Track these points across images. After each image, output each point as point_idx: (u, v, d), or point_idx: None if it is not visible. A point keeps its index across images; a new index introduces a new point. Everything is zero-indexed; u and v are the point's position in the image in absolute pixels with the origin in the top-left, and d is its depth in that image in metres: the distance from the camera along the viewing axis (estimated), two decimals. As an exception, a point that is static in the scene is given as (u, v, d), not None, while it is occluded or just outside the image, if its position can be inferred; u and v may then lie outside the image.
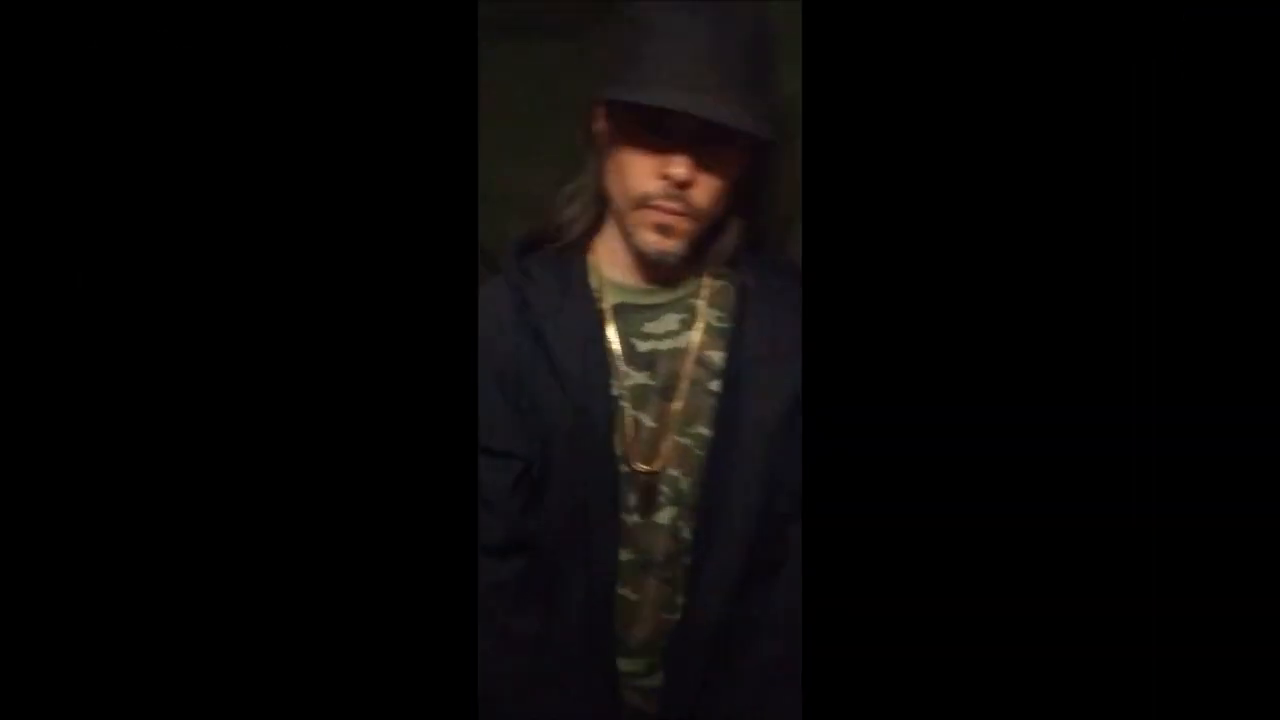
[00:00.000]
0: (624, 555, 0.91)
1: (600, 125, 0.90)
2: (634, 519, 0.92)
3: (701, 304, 0.95)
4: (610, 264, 0.95)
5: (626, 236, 0.91)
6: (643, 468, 0.91)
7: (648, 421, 0.92)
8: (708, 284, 0.95)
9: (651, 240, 0.88)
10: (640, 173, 0.86)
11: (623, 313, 0.94)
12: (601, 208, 0.94)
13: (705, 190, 0.86)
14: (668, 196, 0.86)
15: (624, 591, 0.92)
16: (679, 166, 0.84)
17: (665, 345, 0.93)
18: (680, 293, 0.95)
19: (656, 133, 0.84)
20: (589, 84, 1.24)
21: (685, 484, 0.92)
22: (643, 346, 0.93)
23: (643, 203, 0.87)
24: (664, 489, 0.91)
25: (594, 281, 0.94)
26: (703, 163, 0.85)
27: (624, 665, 0.93)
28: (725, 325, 0.94)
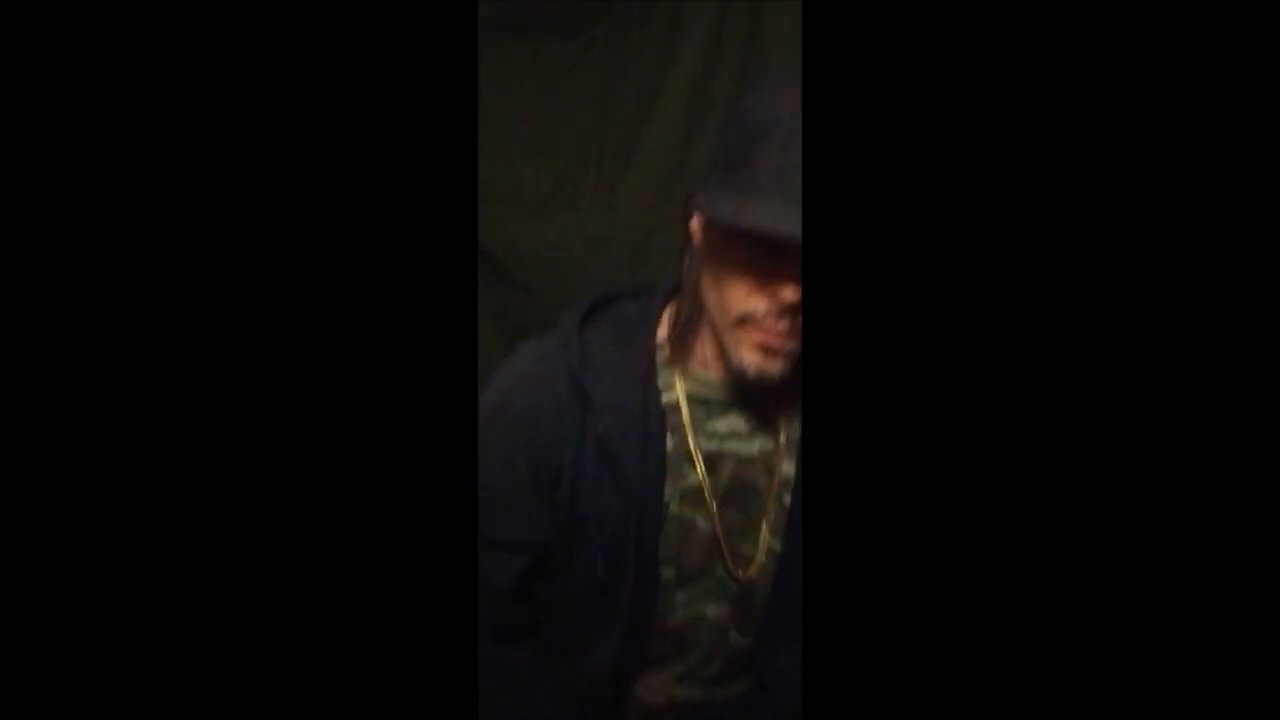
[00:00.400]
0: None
1: (699, 234, 0.83)
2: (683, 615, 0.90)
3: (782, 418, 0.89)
4: (697, 361, 0.88)
5: (722, 351, 0.84)
6: (740, 573, 0.88)
7: (700, 523, 0.88)
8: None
9: (753, 360, 0.81)
10: (744, 292, 0.79)
11: (689, 406, 0.88)
12: (694, 316, 0.86)
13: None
14: (775, 316, 0.79)
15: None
16: (789, 290, 0.77)
17: (729, 446, 0.88)
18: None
19: (765, 251, 0.76)
20: (589, 84, 1.25)
21: (760, 597, 0.89)
22: (704, 446, 0.87)
23: (745, 322, 0.80)
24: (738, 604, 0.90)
25: (665, 376, 0.88)
26: None
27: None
28: (790, 432, 0.89)
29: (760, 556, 0.88)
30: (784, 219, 0.73)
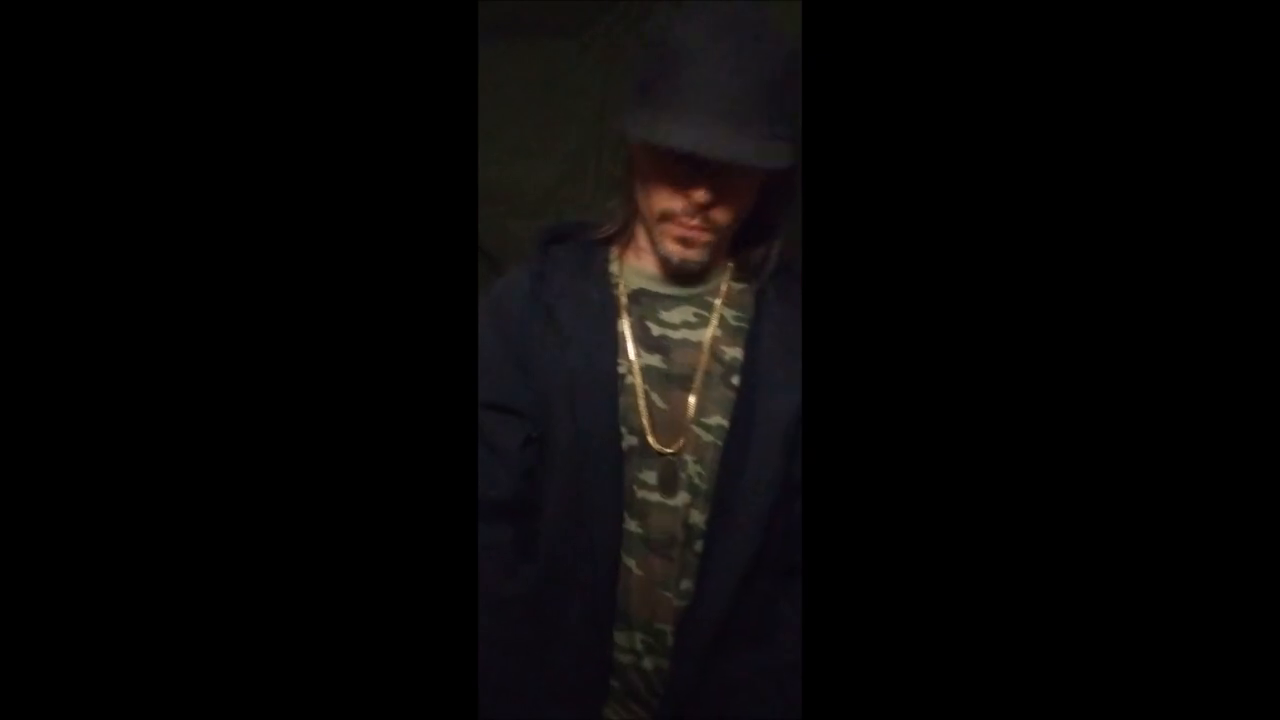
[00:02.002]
0: (632, 527, 0.94)
1: (631, 148, 0.95)
2: (652, 496, 0.94)
3: (718, 302, 0.99)
4: (635, 258, 1.00)
5: (652, 244, 0.97)
6: (664, 449, 0.94)
7: (660, 404, 0.95)
8: (726, 285, 0.99)
9: (674, 249, 0.94)
10: (664, 193, 0.92)
11: (639, 298, 0.98)
12: (631, 215, 1.00)
13: (726, 210, 0.92)
14: (689, 214, 0.92)
15: (629, 563, 0.94)
16: (700, 193, 0.89)
17: (678, 335, 0.97)
18: (698, 289, 0.99)
19: (681, 161, 0.88)
20: (589, 84, 1.24)
21: (700, 472, 0.94)
22: (656, 330, 0.97)
23: (666, 218, 0.93)
24: (682, 474, 0.94)
25: (615, 269, 1.00)
26: (725, 187, 0.91)
27: (620, 639, 0.95)
28: (741, 324, 0.98)
29: (714, 440, 0.94)
30: (696, 136, 0.85)
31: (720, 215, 0.92)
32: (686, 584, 0.94)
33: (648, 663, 0.95)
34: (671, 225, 0.93)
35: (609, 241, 1.01)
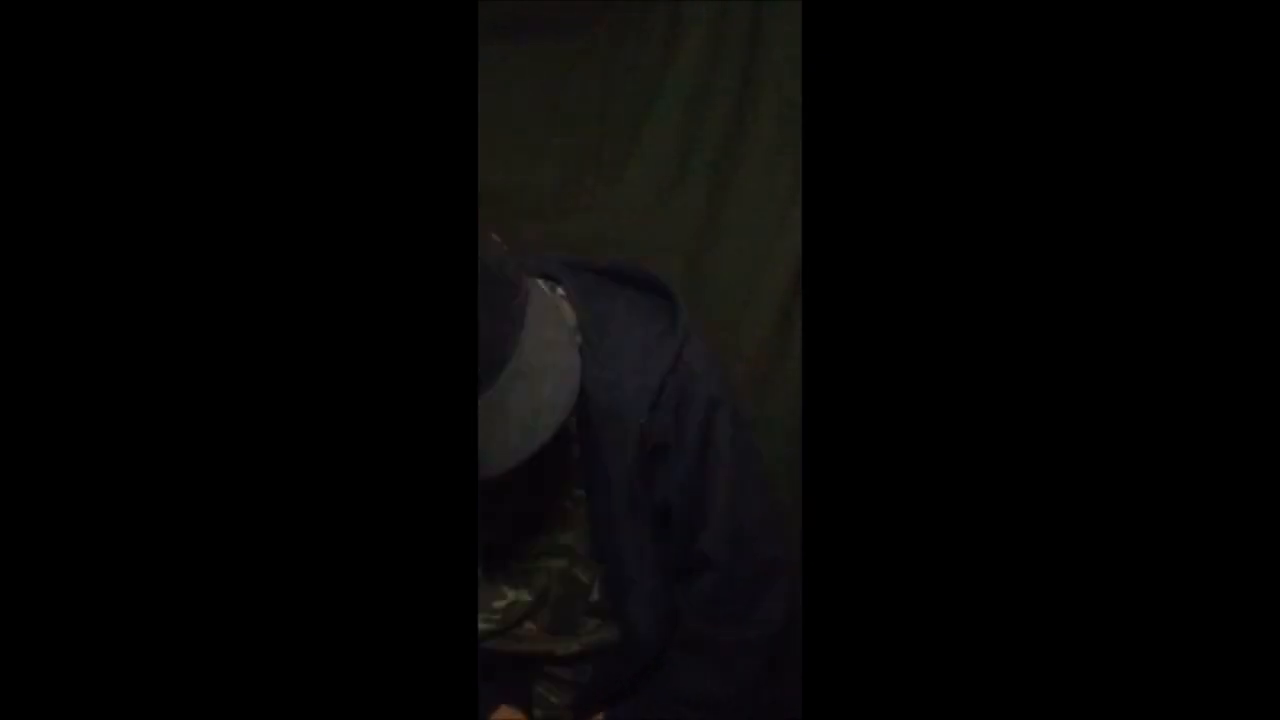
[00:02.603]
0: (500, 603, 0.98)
1: None
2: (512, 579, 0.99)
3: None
4: None
5: None
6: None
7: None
8: None
9: None
10: None
11: None
12: None
13: None
14: None
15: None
16: None
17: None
18: None
19: None
20: (590, 85, 1.24)
21: (567, 538, 0.98)
22: None
23: None
24: (546, 550, 0.98)
25: None
26: None
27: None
28: None
29: (565, 507, 0.98)
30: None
31: None
32: (593, 622, 0.98)
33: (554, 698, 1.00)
34: None
35: None
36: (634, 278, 1.01)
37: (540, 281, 0.95)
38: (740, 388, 1.12)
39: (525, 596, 0.99)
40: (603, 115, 1.27)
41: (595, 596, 0.99)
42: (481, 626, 0.98)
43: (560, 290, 0.97)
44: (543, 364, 0.84)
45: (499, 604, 0.99)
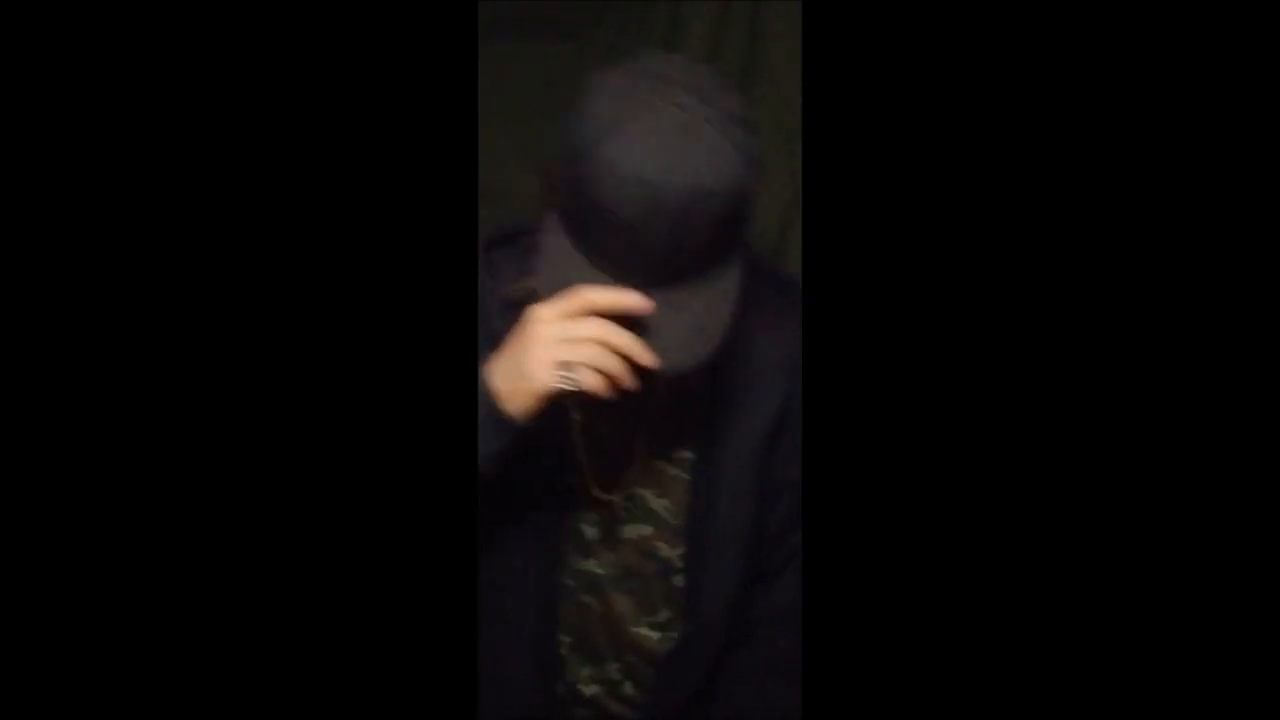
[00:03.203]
0: (583, 565, 0.91)
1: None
2: (592, 532, 0.90)
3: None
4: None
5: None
6: (601, 495, 0.88)
7: (604, 437, 0.88)
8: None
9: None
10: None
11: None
12: None
13: None
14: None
15: (587, 600, 0.91)
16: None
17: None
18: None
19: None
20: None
21: (660, 504, 0.90)
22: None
23: None
24: (629, 507, 0.90)
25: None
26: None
27: (586, 672, 0.93)
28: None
29: (677, 472, 0.90)
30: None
31: None
32: (666, 613, 0.91)
33: (628, 688, 0.93)
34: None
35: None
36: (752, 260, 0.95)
37: None
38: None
39: (598, 569, 0.92)
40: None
41: (678, 581, 0.91)
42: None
43: None
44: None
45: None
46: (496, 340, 0.82)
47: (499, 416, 0.76)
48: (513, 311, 0.82)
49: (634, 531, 0.90)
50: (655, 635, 0.92)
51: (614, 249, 0.73)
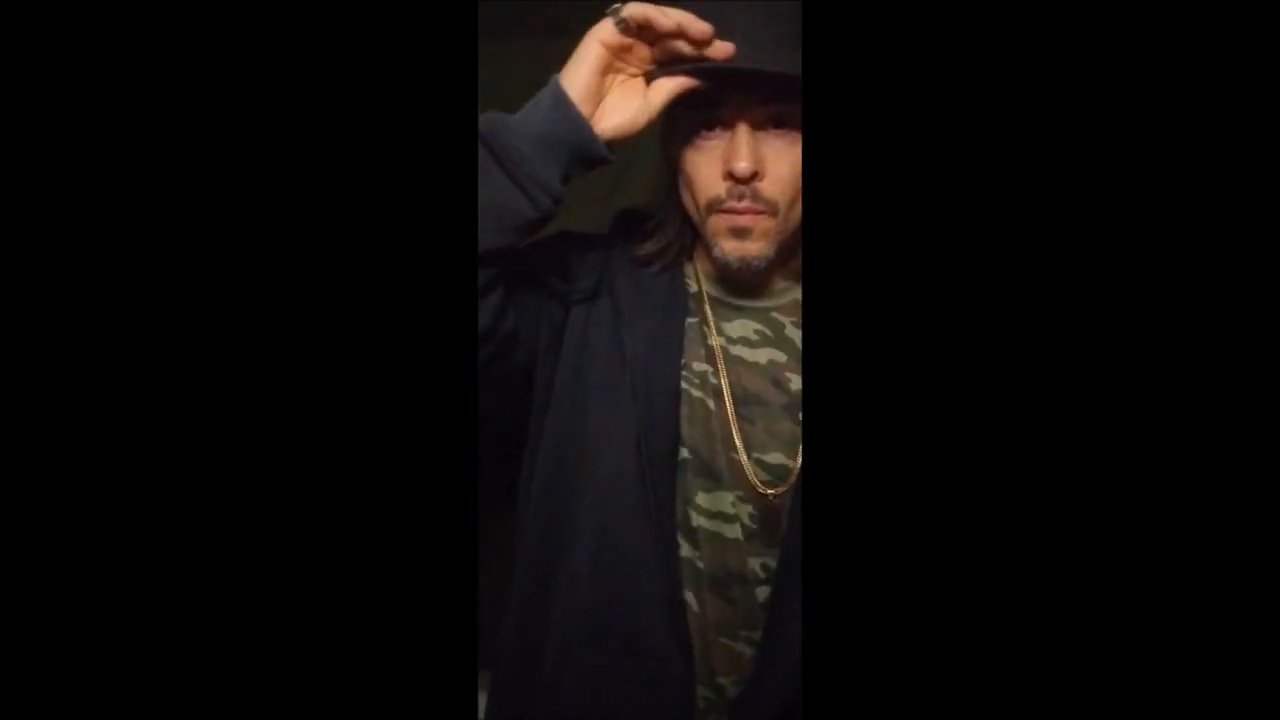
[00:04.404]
0: (686, 553, 0.85)
1: (669, 139, 0.87)
2: (706, 523, 0.85)
3: (789, 321, 0.89)
4: (705, 261, 0.90)
5: (708, 250, 0.86)
6: (768, 492, 0.84)
7: (713, 420, 0.86)
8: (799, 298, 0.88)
9: (730, 247, 0.83)
10: (705, 177, 0.83)
11: (704, 301, 0.89)
12: (687, 230, 0.89)
13: (775, 182, 0.82)
14: (737, 196, 0.81)
15: (688, 597, 0.85)
16: (740, 160, 0.80)
17: (735, 350, 0.88)
18: (762, 302, 0.89)
19: (716, 128, 0.81)
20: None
21: (751, 512, 0.85)
22: (713, 340, 0.87)
23: (714, 208, 0.83)
24: (743, 507, 0.86)
25: (687, 268, 0.91)
26: (767, 152, 0.81)
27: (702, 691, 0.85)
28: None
29: (765, 478, 0.85)
30: (701, 70, 0.77)
31: (770, 188, 0.81)
32: (748, 634, 0.84)
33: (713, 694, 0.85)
34: (721, 216, 0.82)
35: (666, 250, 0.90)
36: None
37: None
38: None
39: (685, 550, 0.85)
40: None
41: (762, 596, 0.84)
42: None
43: None
44: None
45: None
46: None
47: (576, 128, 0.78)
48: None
49: (719, 528, 0.85)
50: (748, 653, 0.85)
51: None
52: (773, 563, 0.85)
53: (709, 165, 0.82)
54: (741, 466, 0.85)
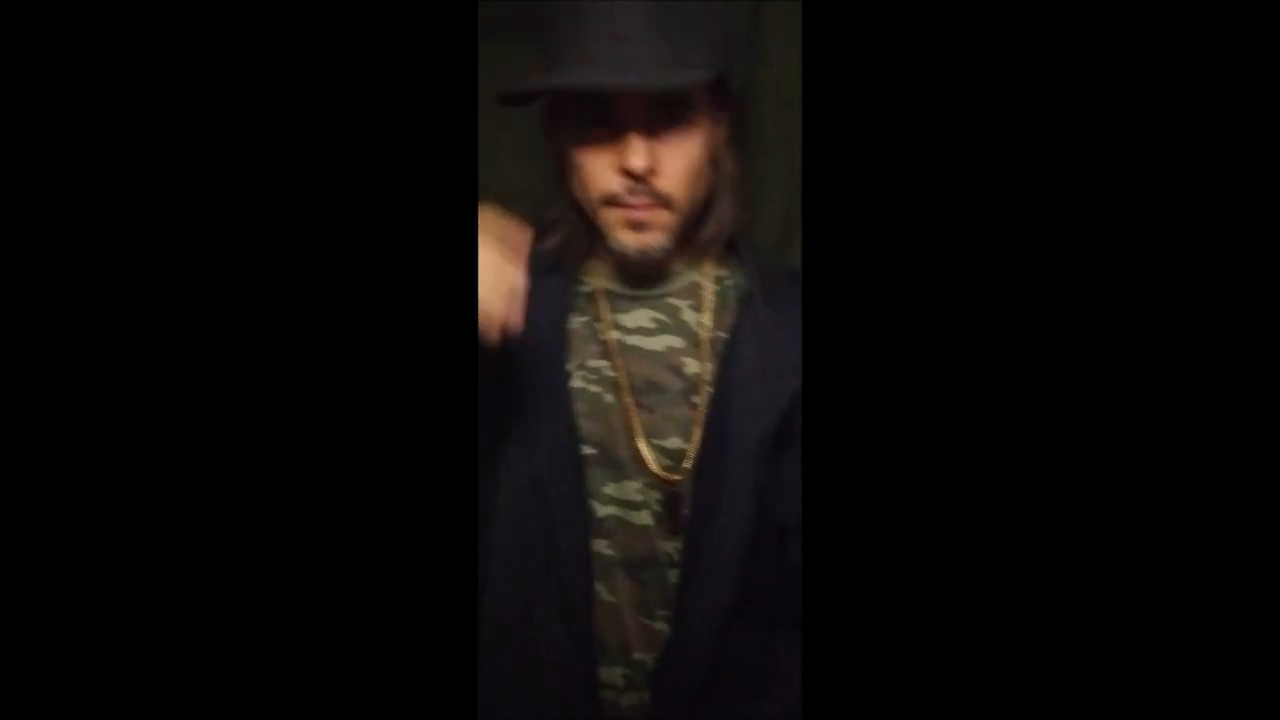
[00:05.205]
0: (600, 547, 0.87)
1: (553, 129, 0.87)
2: (615, 511, 0.87)
3: (685, 305, 0.89)
4: (601, 258, 0.90)
5: (603, 240, 0.85)
6: (671, 478, 0.85)
7: (614, 414, 0.86)
8: (704, 286, 0.89)
9: (628, 239, 0.83)
10: (598, 171, 0.81)
11: (597, 297, 0.89)
12: (584, 221, 0.88)
13: (671, 177, 0.81)
14: (632, 192, 0.81)
15: (598, 587, 0.87)
16: (635, 156, 0.79)
17: (632, 341, 0.88)
18: (658, 290, 0.89)
19: (606, 123, 0.80)
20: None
21: (657, 498, 0.87)
22: (606, 334, 0.87)
23: (609, 202, 0.82)
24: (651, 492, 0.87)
25: (585, 272, 0.90)
26: (661, 148, 0.80)
27: (601, 675, 0.87)
28: (715, 334, 0.88)
29: (665, 461, 0.86)
30: (604, 73, 0.76)
31: (666, 183, 0.81)
32: (664, 612, 0.86)
33: (628, 698, 0.87)
34: (616, 210, 0.82)
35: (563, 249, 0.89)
36: (790, 271, 0.94)
37: None
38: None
39: (597, 544, 0.86)
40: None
41: (673, 577, 0.86)
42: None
43: None
44: None
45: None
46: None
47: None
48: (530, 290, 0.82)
49: (644, 518, 0.86)
50: (659, 628, 0.87)
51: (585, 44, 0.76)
52: (680, 544, 0.86)
53: (601, 158, 0.81)
54: (642, 455, 0.86)
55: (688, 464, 0.86)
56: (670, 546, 0.87)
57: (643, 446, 0.86)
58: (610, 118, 0.80)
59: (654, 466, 0.86)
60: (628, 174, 0.80)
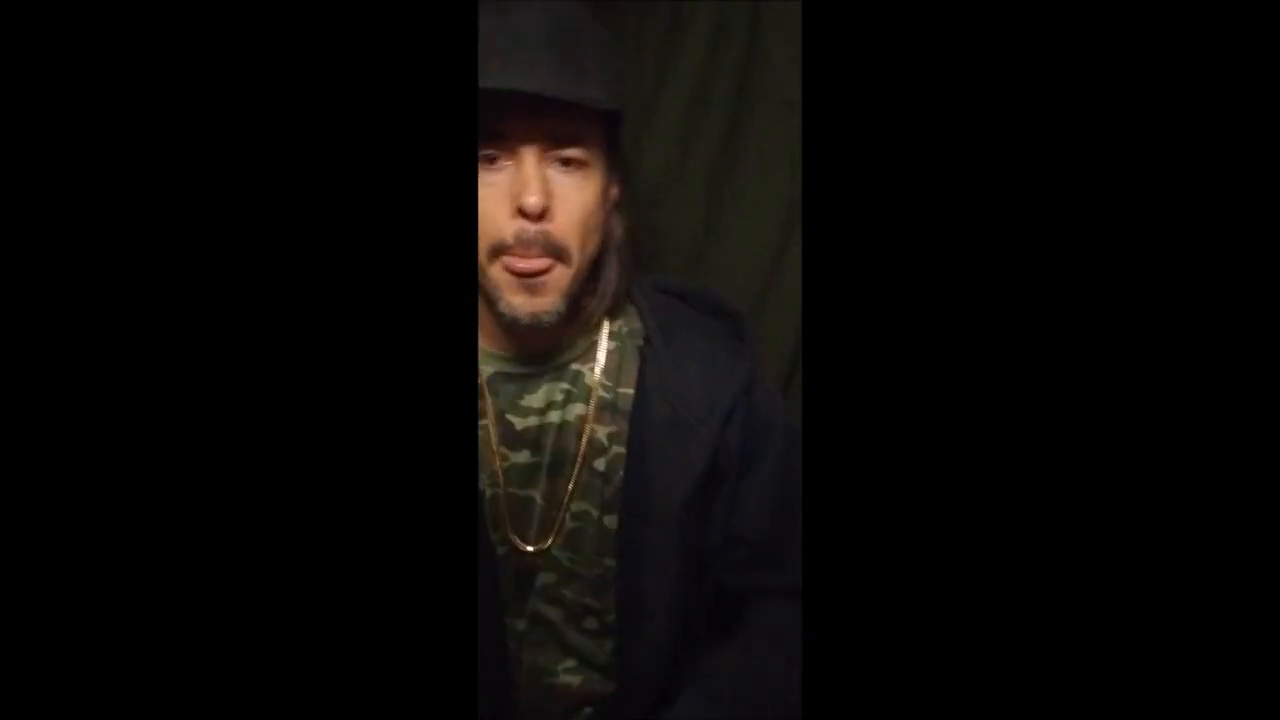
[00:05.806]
0: (519, 625, 0.90)
1: None
2: (536, 604, 0.90)
3: (589, 370, 0.87)
4: (485, 339, 0.85)
5: (492, 305, 0.80)
6: (526, 547, 0.87)
7: (538, 500, 0.87)
8: (599, 344, 0.87)
9: (519, 302, 0.78)
10: (487, 218, 0.76)
11: (495, 385, 0.86)
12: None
13: (565, 224, 0.77)
14: (525, 241, 0.76)
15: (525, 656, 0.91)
16: (531, 194, 0.75)
17: (548, 419, 0.86)
18: (562, 358, 0.86)
19: (495, 160, 0.76)
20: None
21: (574, 562, 0.88)
22: (520, 424, 0.86)
23: (499, 252, 0.77)
24: (543, 565, 0.89)
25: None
26: (556, 190, 0.76)
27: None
28: (611, 395, 0.87)
29: (569, 524, 0.87)
30: (508, 77, 0.72)
31: (559, 232, 0.76)
32: (596, 675, 0.91)
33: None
34: (508, 260, 0.76)
35: None
36: (690, 295, 0.94)
37: None
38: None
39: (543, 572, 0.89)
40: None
41: (608, 645, 0.90)
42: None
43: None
44: None
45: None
46: None
47: None
48: None
49: (546, 579, 0.89)
50: (571, 525, 0.88)
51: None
52: (587, 598, 0.89)
53: (492, 204, 0.76)
54: (553, 520, 0.87)
55: (591, 528, 0.87)
56: (593, 601, 0.90)
57: (558, 513, 0.87)
58: (502, 154, 0.76)
59: (519, 541, 0.87)
60: (522, 213, 0.76)
